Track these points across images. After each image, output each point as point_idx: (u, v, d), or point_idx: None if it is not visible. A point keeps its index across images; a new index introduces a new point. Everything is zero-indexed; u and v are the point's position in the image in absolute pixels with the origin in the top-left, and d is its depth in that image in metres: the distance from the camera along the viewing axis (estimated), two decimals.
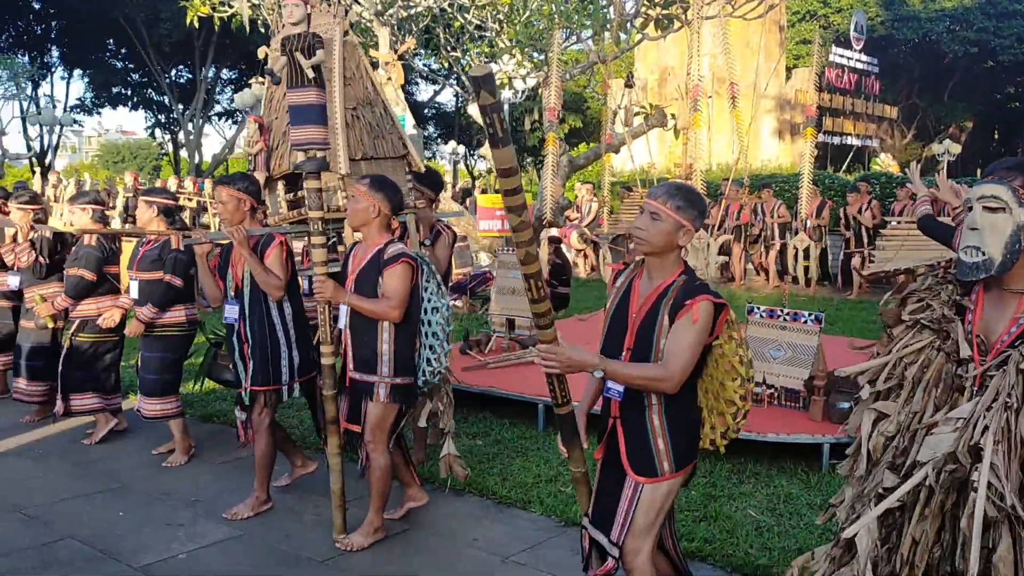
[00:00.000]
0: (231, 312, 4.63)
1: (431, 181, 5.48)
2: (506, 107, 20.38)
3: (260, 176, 5.07)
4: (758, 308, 6.11)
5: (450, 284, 5.75)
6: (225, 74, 34.65)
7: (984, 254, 2.26)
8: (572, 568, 3.98)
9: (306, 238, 4.98)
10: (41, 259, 6.15)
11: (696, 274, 2.90)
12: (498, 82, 17.11)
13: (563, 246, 11.59)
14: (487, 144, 14.27)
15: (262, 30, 11.16)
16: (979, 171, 22.19)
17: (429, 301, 4.27)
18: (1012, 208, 2.24)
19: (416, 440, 5.31)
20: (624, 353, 2.88)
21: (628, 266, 3.04)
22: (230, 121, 36.86)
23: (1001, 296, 2.32)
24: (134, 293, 5.47)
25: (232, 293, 4.65)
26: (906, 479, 2.25)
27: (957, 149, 25.74)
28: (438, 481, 5.02)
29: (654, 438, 2.83)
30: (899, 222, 10.15)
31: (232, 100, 28.93)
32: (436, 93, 36.94)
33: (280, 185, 5.41)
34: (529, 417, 6.10)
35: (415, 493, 4.58)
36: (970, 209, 2.32)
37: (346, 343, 4.19)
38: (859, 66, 25.00)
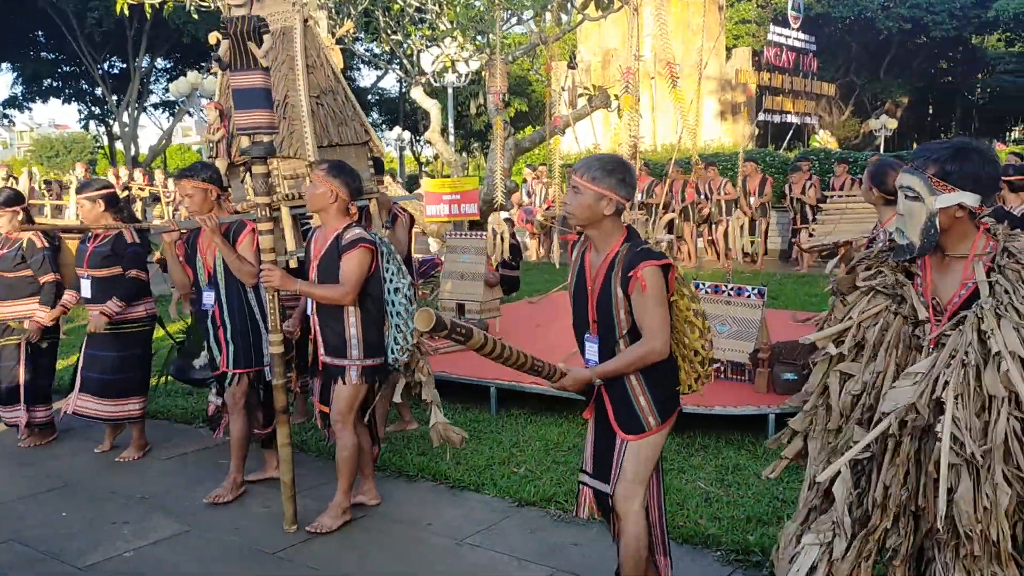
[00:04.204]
0: (208, 299, 4.64)
1: (374, 164, 5.48)
2: (450, 91, 20.22)
3: (221, 163, 4.97)
4: (703, 284, 6.18)
5: (413, 267, 5.80)
6: (160, 63, 33.79)
7: (907, 238, 2.43)
8: (526, 548, 4.01)
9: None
10: None
11: (640, 238, 2.99)
12: (441, 66, 17.01)
13: (515, 229, 11.59)
14: (431, 128, 14.11)
15: (195, 16, 10.89)
16: (915, 145, 22.71)
17: (391, 282, 4.29)
18: (924, 197, 2.38)
19: (379, 421, 5.30)
20: (592, 325, 3.05)
21: (580, 238, 3.15)
22: (166, 112, 36.06)
23: (944, 261, 2.47)
24: (86, 292, 5.25)
25: (205, 280, 4.64)
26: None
27: (893, 124, 26.30)
28: (390, 469, 5.00)
29: (635, 397, 2.99)
30: (839, 196, 10.33)
31: (167, 90, 28.25)
32: (379, 78, 36.57)
33: (243, 171, 5.30)
34: (481, 401, 6.09)
35: (369, 491, 4.56)
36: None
37: (315, 328, 4.24)
38: (797, 44, 25.31)
